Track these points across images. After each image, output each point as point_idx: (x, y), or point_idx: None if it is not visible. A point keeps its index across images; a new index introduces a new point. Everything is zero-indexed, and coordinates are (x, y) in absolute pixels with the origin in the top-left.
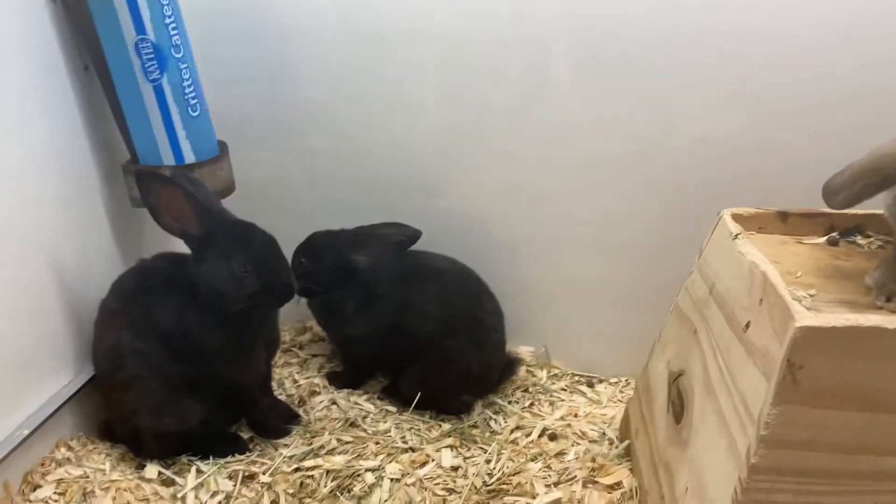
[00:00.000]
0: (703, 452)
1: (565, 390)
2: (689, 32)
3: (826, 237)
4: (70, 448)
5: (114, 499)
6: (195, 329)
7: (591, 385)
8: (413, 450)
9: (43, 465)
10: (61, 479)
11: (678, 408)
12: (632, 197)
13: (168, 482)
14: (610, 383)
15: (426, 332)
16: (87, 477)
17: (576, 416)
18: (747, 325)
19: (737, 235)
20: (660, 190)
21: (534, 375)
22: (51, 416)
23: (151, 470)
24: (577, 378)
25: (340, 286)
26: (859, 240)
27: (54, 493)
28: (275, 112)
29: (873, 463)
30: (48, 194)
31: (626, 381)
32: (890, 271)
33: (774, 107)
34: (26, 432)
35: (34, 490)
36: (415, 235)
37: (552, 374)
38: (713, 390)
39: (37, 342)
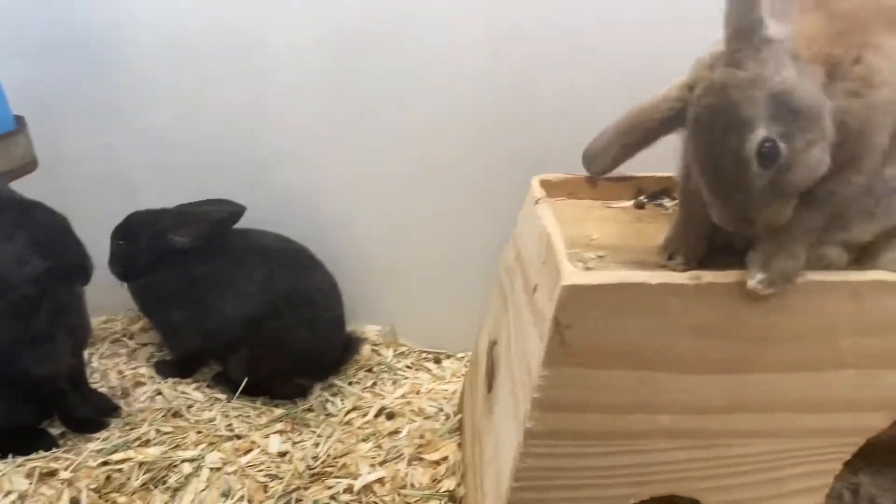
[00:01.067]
0: (501, 419)
1: (410, 367)
2: None
3: (633, 201)
4: None
5: None
6: None
7: (437, 361)
8: (239, 437)
9: None
10: None
11: (490, 377)
12: (470, 170)
13: None
14: (457, 358)
15: (249, 314)
16: None
17: (417, 393)
18: (535, 289)
19: (538, 200)
20: (499, 160)
21: (379, 354)
22: None
23: None
24: (424, 355)
25: (160, 269)
26: (666, 202)
27: None
28: (94, 84)
29: (646, 421)
30: None
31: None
32: (676, 231)
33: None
34: None
35: None
36: (237, 212)
37: (399, 352)
38: (510, 357)
39: None
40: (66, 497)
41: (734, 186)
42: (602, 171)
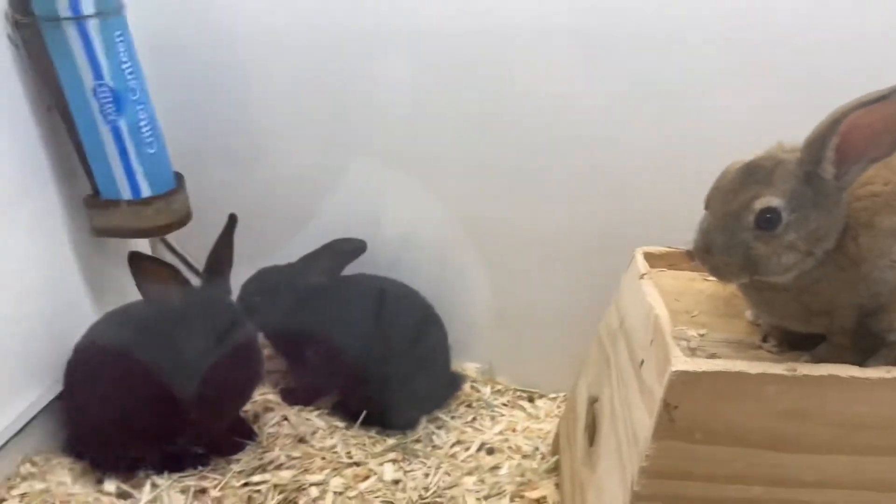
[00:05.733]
0: (604, 476)
1: (507, 405)
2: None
3: None
4: (34, 464)
5: None
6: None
7: (531, 400)
8: (357, 464)
9: (9, 479)
10: (25, 493)
11: (592, 432)
12: (578, 216)
13: (125, 495)
14: (549, 398)
15: (371, 353)
16: (50, 491)
17: (514, 430)
18: (642, 363)
19: (643, 275)
20: (606, 210)
21: (478, 391)
22: (17, 434)
23: (110, 485)
24: (518, 393)
25: (288, 312)
26: None
27: None
28: (229, 141)
29: (742, 491)
30: (17, 224)
31: (565, 396)
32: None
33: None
34: None
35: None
36: (360, 247)
37: (496, 389)
38: (616, 420)
39: (6, 363)
40: None
41: (724, 219)
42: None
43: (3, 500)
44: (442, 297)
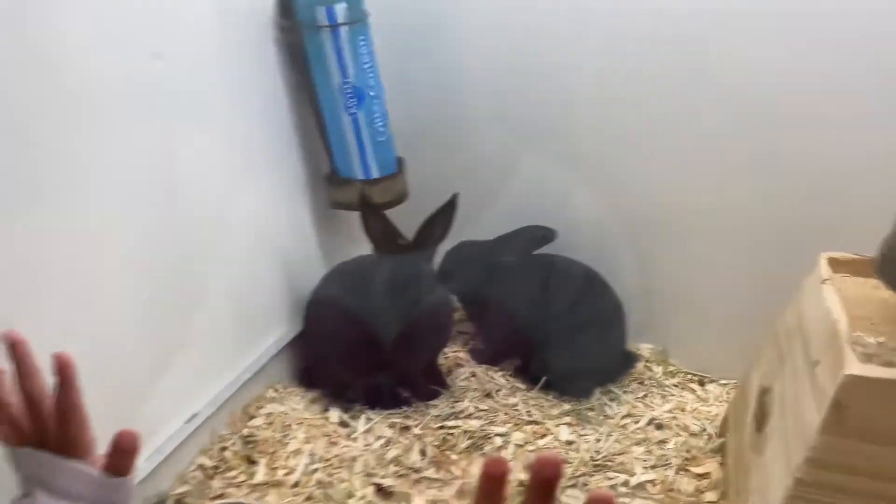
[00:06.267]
0: (770, 461)
1: (677, 386)
2: None
3: None
4: (276, 390)
5: (305, 431)
6: None
7: (702, 384)
8: (536, 423)
9: (257, 401)
10: (269, 413)
11: (760, 419)
12: (771, 210)
13: (344, 424)
14: (720, 384)
15: (551, 327)
16: (287, 413)
17: (683, 410)
18: (816, 364)
19: (825, 280)
20: (802, 208)
21: (650, 370)
22: (265, 364)
23: (333, 414)
24: (689, 376)
25: (484, 284)
26: None
27: (264, 423)
28: (443, 124)
29: None
30: (271, 192)
31: (735, 383)
32: None
33: None
34: (248, 376)
35: (250, 419)
36: (550, 235)
37: (668, 370)
38: (785, 412)
39: (257, 308)
40: (416, 448)
41: None
42: None
43: (253, 416)
44: (624, 279)
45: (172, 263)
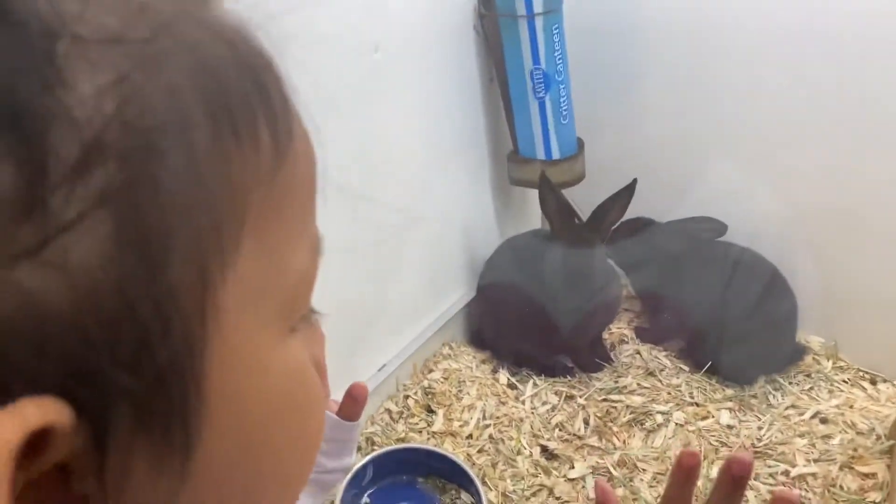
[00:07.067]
0: None
1: (846, 382)
2: None
3: None
4: (451, 348)
5: (477, 389)
6: None
7: (873, 383)
8: (697, 405)
9: (435, 356)
10: (446, 369)
11: None
12: None
13: (512, 386)
14: (893, 384)
15: (718, 312)
16: (461, 370)
17: (851, 407)
18: None
19: None
20: None
21: (819, 364)
22: (444, 325)
23: (502, 376)
24: (861, 373)
25: (653, 264)
26: None
27: (441, 377)
28: (625, 108)
29: None
30: (459, 170)
31: None
32: None
33: None
34: (429, 334)
35: (429, 373)
36: (719, 229)
37: (837, 365)
38: None
39: (440, 273)
40: (580, 416)
41: None
42: None
43: (432, 370)
44: (797, 271)
45: (373, 236)
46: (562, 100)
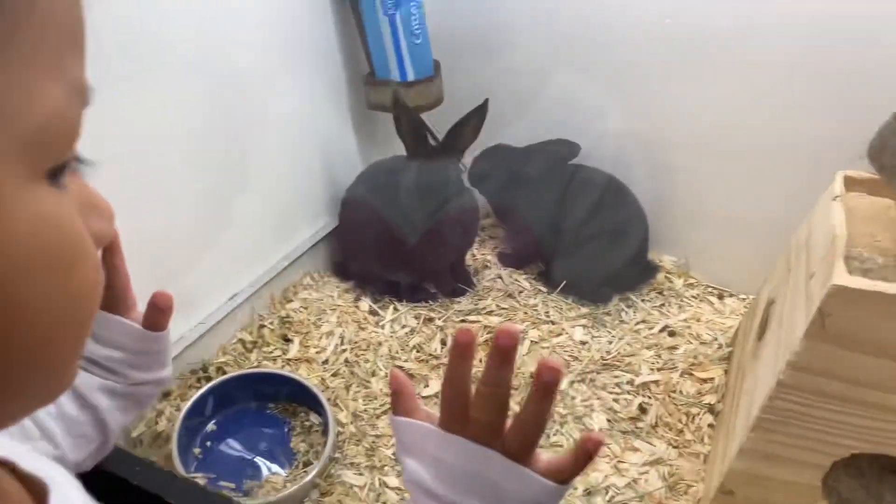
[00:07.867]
0: (762, 366)
1: (695, 298)
2: None
3: None
4: (312, 278)
5: (338, 317)
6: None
7: (720, 297)
8: (553, 323)
9: (294, 287)
10: (305, 299)
11: (762, 328)
12: (802, 129)
13: (374, 313)
14: (738, 298)
15: (572, 233)
16: (322, 300)
17: (698, 320)
18: (811, 276)
19: (836, 197)
20: (831, 126)
21: (671, 282)
22: (303, 253)
23: (364, 303)
24: (710, 289)
25: (512, 188)
26: None
27: (300, 307)
28: (482, 30)
29: (880, 398)
30: (312, 91)
31: (753, 299)
32: None
33: None
34: (285, 263)
35: (288, 303)
36: (574, 151)
37: (688, 283)
38: (781, 321)
39: (296, 200)
40: (437, 337)
41: None
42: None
43: (291, 301)
44: (648, 192)
45: (221, 151)
46: (413, 18)
